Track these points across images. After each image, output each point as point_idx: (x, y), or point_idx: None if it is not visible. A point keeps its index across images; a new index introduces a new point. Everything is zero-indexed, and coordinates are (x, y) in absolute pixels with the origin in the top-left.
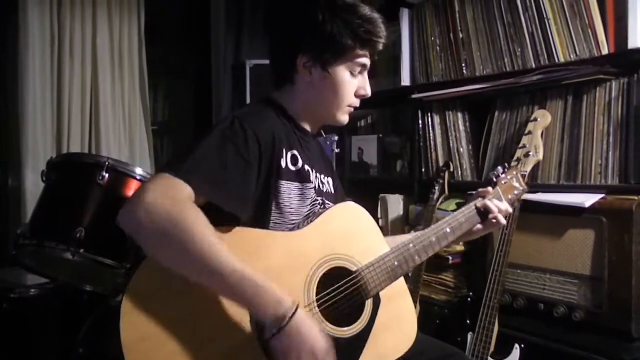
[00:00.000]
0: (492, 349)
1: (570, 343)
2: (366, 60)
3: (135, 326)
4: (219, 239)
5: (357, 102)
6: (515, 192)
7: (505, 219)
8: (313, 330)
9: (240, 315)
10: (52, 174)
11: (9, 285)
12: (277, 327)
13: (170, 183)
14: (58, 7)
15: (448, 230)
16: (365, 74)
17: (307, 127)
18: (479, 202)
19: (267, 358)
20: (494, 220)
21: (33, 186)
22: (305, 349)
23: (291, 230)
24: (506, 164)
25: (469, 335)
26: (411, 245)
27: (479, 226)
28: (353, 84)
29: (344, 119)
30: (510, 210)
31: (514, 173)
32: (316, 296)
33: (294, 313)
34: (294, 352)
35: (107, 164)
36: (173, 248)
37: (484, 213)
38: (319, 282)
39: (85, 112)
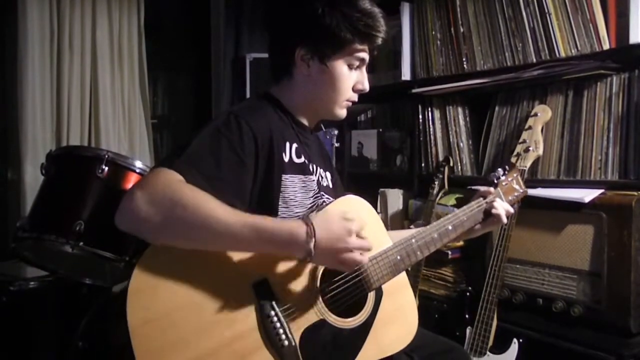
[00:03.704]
0: (490, 343)
1: (568, 338)
2: (365, 55)
3: (142, 309)
4: (219, 203)
5: (355, 97)
6: (515, 194)
7: (507, 219)
8: (333, 234)
9: (245, 302)
10: (51, 167)
11: (8, 278)
12: (309, 255)
13: (162, 173)
14: (57, 1)
15: (450, 227)
16: (364, 68)
17: (305, 122)
18: (480, 201)
19: (270, 345)
20: (495, 219)
21: (32, 179)
22: (339, 251)
23: None
24: (506, 166)
25: (468, 330)
26: (413, 240)
27: (480, 224)
28: (351, 78)
29: (342, 113)
30: (512, 210)
31: (514, 175)
32: (320, 287)
33: (314, 238)
34: (334, 260)
35: (106, 156)
36: (178, 226)
37: (485, 212)
38: (323, 273)
39: (84, 106)
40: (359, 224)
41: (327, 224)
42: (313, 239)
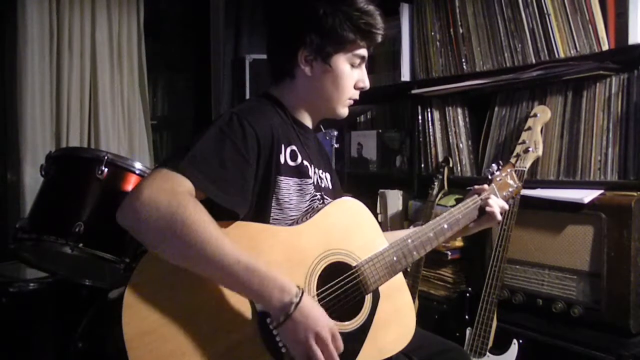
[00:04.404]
0: (490, 344)
1: (568, 338)
2: (365, 52)
3: (138, 320)
4: (220, 230)
5: (356, 95)
6: (510, 189)
7: (501, 215)
8: (318, 314)
9: (243, 310)
10: (51, 168)
11: (8, 279)
12: (284, 315)
13: (167, 177)
14: (57, 1)
15: (445, 226)
16: (363, 66)
17: (306, 122)
18: (475, 198)
19: (269, 353)
20: (491, 216)
21: (32, 180)
22: (312, 333)
23: (290, 225)
24: (500, 162)
25: (468, 331)
26: (409, 240)
27: (475, 222)
28: (352, 76)
29: (344, 112)
30: (506, 206)
31: (508, 170)
32: (316, 291)
33: (300, 299)
34: (301, 337)
35: (106, 158)
36: (174, 241)
37: (480, 209)
38: (319, 276)
39: (84, 107)
40: (340, 340)
41: (316, 304)
42: (299, 299)
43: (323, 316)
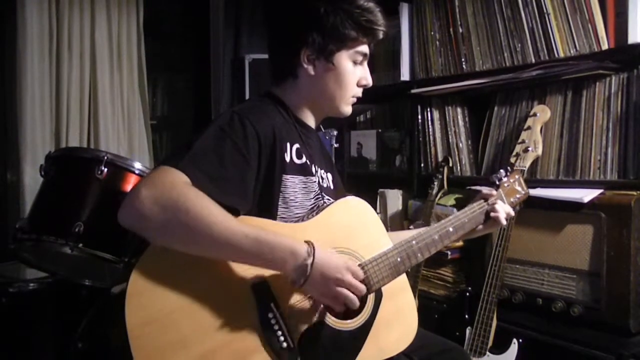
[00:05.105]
0: (490, 343)
1: (568, 338)
2: (367, 49)
3: (140, 310)
4: (223, 211)
5: (359, 92)
6: (517, 196)
7: (506, 221)
8: (332, 262)
9: (244, 302)
10: (50, 168)
11: (8, 280)
12: (303, 277)
13: (167, 172)
14: (56, 2)
15: (451, 229)
16: (365, 63)
17: (309, 121)
18: (482, 203)
19: (269, 346)
20: (495, 221)
21: (31, 180)
22: (333, 282)
23: (295, 222)
24: (508, 167)
25: (468, 330)
26: (414, 242)
27: (480, 226)
28: (355, 74)
29: (348, 110)
30: (512, 212)
31: (516, 177)
32: None
33: (313, 258)
34: (326, 290)
35: (105, 158)
36: (180, 229)
37: (486, 213)
38: None
39: (83, 107)
40: (358, 269)
41: (327, 252)
42: (312, 258)
43: (336, 260)
